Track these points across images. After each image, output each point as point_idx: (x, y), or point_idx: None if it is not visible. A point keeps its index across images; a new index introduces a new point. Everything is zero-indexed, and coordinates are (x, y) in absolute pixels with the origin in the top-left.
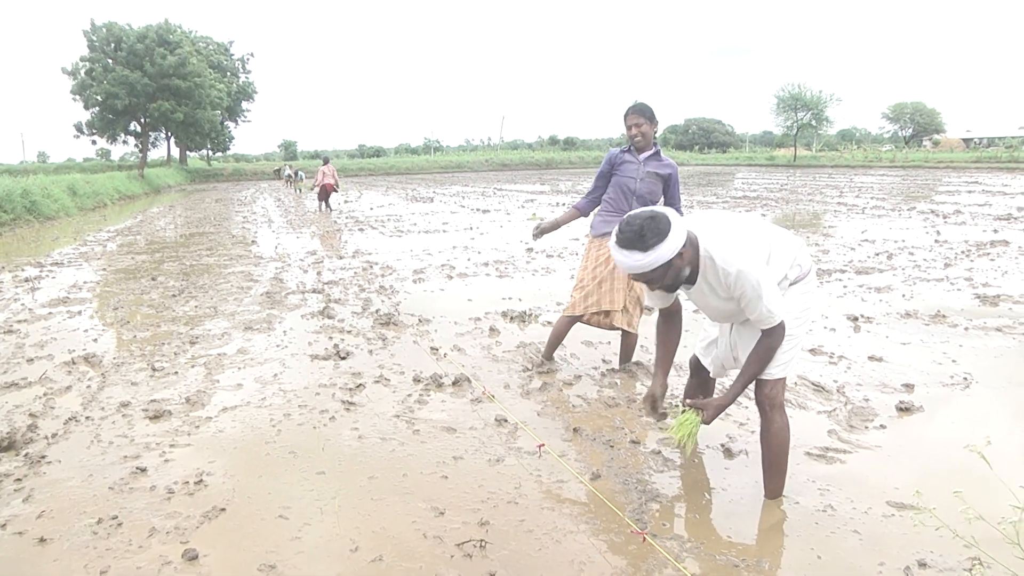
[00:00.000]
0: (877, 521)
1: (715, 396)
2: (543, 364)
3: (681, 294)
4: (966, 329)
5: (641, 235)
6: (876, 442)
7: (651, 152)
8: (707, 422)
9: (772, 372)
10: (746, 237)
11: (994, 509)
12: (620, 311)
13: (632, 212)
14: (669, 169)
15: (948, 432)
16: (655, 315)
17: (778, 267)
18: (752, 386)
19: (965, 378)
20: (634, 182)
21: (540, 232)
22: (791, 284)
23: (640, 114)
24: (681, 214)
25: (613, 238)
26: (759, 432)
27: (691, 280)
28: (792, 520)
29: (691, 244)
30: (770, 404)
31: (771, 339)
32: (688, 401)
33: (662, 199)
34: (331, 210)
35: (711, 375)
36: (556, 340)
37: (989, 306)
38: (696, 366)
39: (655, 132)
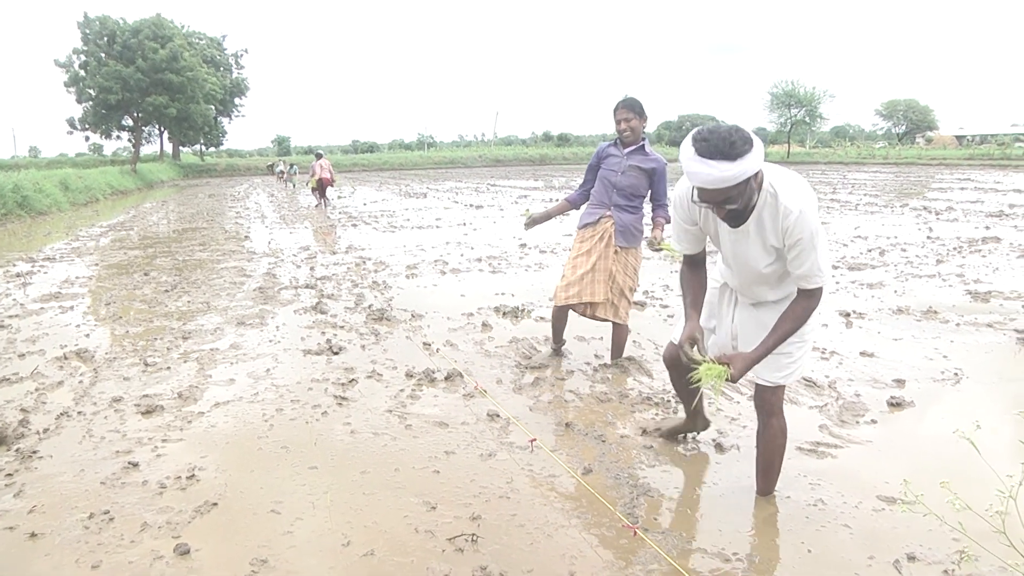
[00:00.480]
0: (867, 515)
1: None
2: (555, 348)
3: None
4: (957, 325)
5: (731, 142)
6: (867, 437)
7: (636, 146)
8: (735, 378)
9: (776, 379)
10: (807, 189)
11: (983, 502)
12: (603, 303)
13: (708, 125)
14: (653, 164)
15: (938, 427)
16: (649, 309)
17: None
18: (752, 387)
19: (956, 373)
20: (616, 175)
21: (532, 222)
22: None
23: (629, 109)
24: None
25: (689, 150)
26: (756, 433)
27: (742, 218)
28: (783, 514)
29: (760, 173)
30: (768, 411)
31: (810, 300)
32: (715, 355)
33: (649, 194)
34: (328, 204)
35: None
36: (557, 327)
37: (980, 302)
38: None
39: (644, 127)
